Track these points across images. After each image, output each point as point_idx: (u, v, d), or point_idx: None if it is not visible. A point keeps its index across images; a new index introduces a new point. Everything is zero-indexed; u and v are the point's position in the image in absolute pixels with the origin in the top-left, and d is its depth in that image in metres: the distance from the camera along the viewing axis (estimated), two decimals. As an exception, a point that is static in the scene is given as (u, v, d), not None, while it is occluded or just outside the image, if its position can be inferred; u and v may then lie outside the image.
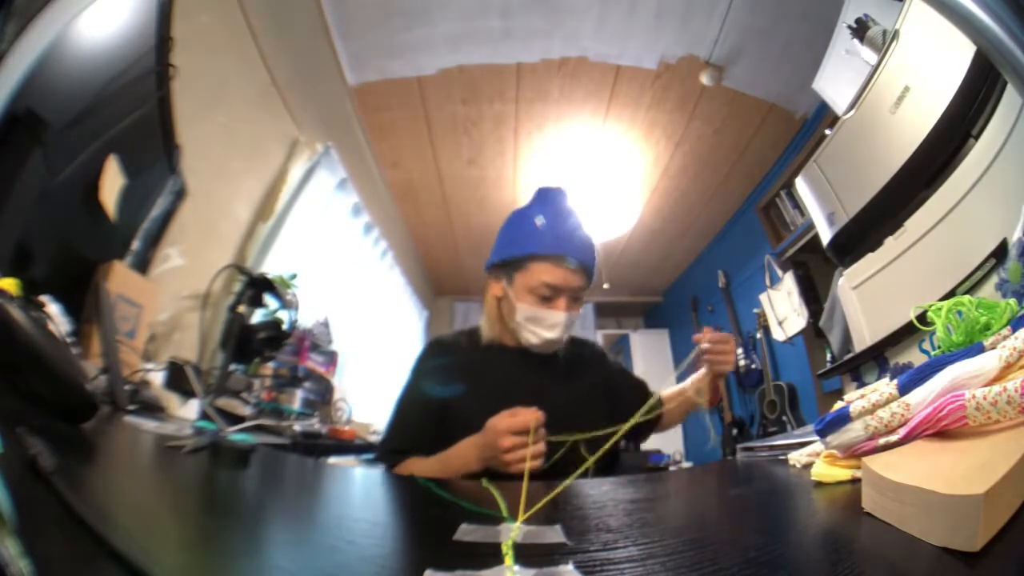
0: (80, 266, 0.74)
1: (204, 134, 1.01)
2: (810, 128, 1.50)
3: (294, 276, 1.16)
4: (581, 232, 0.85)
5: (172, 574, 0.23)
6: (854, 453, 0.38)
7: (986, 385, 0.30)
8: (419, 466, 0.71)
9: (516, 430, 0.60)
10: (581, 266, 0.82)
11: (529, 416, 0.60)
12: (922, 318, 0.43)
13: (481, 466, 0.64)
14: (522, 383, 0.82)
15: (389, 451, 0.77)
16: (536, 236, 0.83)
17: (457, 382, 0.79)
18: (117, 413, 0.60)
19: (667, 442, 2.12)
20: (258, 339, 1.07)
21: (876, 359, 0.96)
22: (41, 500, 0.25)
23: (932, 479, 0.24)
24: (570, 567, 0.25)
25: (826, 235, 1.13)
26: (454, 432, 0.69)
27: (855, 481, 0.36)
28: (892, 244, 0.94)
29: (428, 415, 0.78)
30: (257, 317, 1.09)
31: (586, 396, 0.85)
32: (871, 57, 1.01)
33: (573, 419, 0.67)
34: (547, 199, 0.88)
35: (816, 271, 1.63)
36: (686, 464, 2.01)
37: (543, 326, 0.81)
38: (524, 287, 0.82)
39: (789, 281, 1.70)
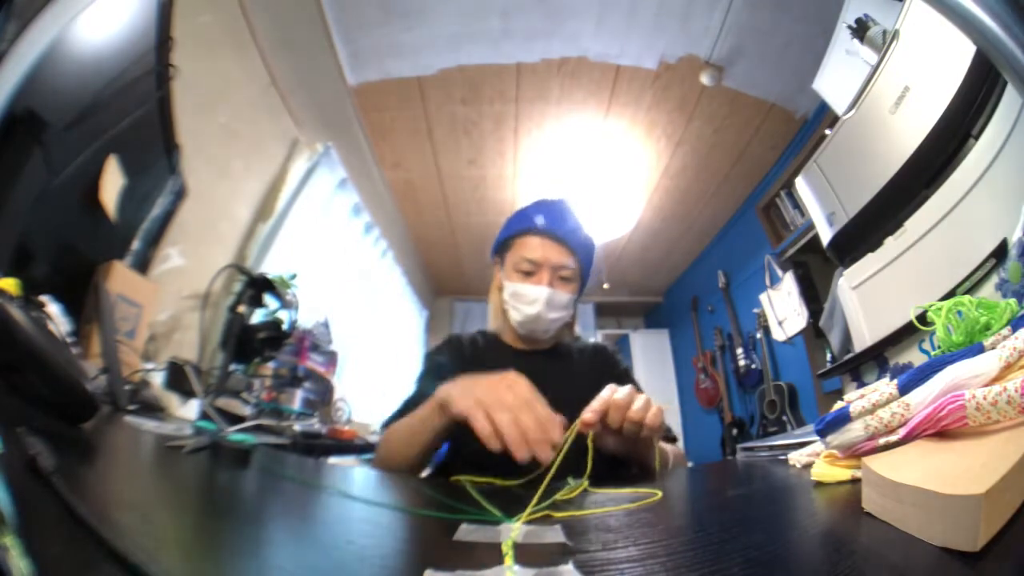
0: (80, 266, 0.74)
1: (204, 134, 1.02)
2: (810, 128, 1.50)
3: (294, 276, 1.16)
4: (570, 216, 0.85)
5: (172, 574, 0.23)
6: (854, 453, 0.38)
7: (986, 385, 0.30)
8: (396, 429, 0.68)
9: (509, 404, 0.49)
10: (564, 243, 0.82)
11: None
12: (922, 318, 0.42)
13: (437, 403, 0.58)
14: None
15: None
16: (522, 217, 0.86)
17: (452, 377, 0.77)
18: (117, 413, 0.59)
19: (667, 442, 2.12)
20: (258, 339, 1.07)
21: (876, 359, 0.96)
22: (41, 500, 0.25)
23: (932, 479, 0.24)
24: (570, 567, 0.25)
25: (826, 235, 1.13)
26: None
27: (855, 481, 0.36)
28: (892, 244, 0.94)
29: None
30: (257, 317, 1.09)
31: (573, 398, 0.78)
32: (871, 57, 1.01)
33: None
34: (545, 199, 0.90)
35: (816, 271, 1.63)
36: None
37: (524, 301, 0.81)
38: (511, 266, 0.83)
39: (789, 281, 1.70)
